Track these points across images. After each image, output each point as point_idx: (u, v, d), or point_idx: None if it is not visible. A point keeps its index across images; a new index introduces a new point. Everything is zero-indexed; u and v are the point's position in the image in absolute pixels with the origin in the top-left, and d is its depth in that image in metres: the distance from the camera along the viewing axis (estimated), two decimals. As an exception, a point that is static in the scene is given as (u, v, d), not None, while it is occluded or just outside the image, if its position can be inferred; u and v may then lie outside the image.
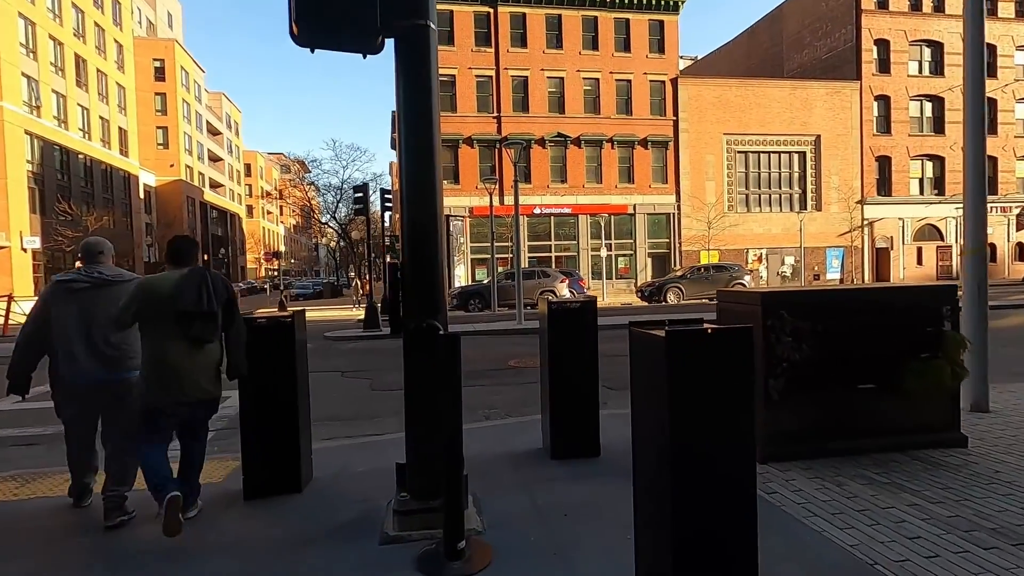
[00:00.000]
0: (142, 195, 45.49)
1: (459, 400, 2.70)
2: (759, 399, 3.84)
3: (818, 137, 32.92)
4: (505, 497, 3.51)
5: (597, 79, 30.90)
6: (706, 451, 2.11)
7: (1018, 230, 35.62)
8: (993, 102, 34.08)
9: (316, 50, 2.94)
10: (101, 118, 39.27)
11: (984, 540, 2.72)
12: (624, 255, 32.07)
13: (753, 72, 37.93)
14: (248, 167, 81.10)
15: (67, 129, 35.01)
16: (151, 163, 48.84)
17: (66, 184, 34.91)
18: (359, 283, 28.09)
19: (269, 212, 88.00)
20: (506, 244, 28.16)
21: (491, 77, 30.04)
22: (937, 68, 33.88)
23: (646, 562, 2.35)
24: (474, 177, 29.02)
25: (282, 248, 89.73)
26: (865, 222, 33.60)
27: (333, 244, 62.22)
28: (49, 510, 3.66)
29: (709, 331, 2.06)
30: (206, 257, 56.52)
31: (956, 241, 34.40)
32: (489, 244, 19.92)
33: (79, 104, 36.51)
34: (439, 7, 28.60)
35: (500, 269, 24.53)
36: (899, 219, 34.03)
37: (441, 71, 30.51)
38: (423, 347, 2.91)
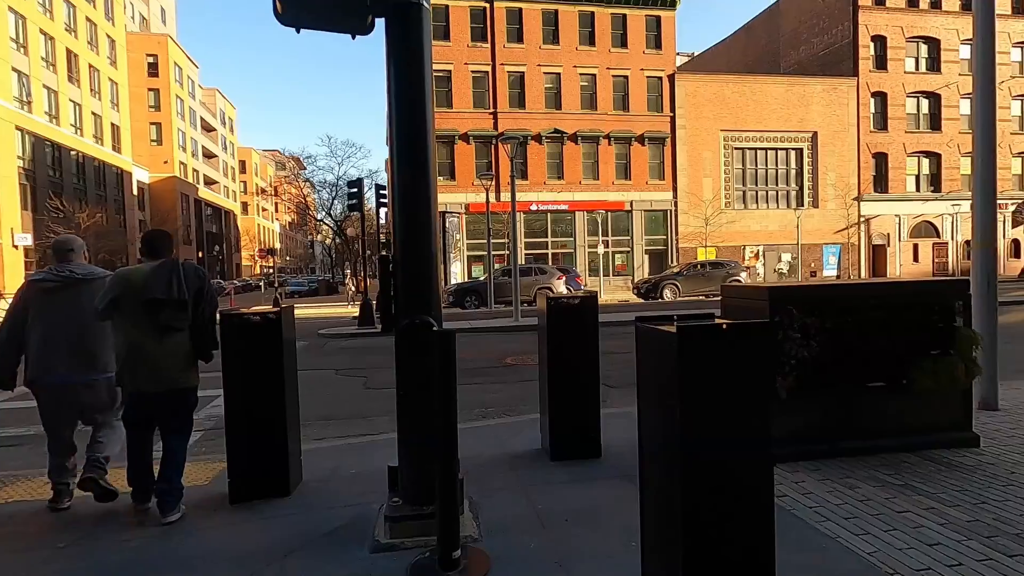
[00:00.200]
0: (135, 192, 45.11)
1: (454, 400, 2.55)
2: (766, 398, 3.71)
3: (815, 134, 32.84)
4: (503, 501, 3.36)
5: (594, 75, 30.71)
6: (720, 455, 1.96)
7: (1014, 227, 35.67)
8: (990, 99, 34.02)
9: (302, 30, 2.77)
10: (93, 114, 38.88)
11: (1008, 547, 2.59)
12: (621, 252, 31.94)
13: (750, 69, 37.81)
14: (243, 164, 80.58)
15: (59, 125, 34.64)
16: (144, 159, 48.43)
17: (58, 180, 34.55)
18: (352, 280, 27.85)
19: (264, 209, 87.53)
20: (503, 241, 27.98)
21: (487, 73, 29.82)
22: (934, 65, 33.82)
23: (653, 573, 2.21)
24: (470, 173, 28.80)
25: (277, 245, 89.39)
26: (862, 219, 33.56)
27: (329, 241, 61.97)
28: (27, 514, 3.49)
29: (724, 327, 1.91)
30: (200, 254, 56.18)
31: (952, 238, 34.40)
32: (486, 241, 19.73)
33: (71, 100, 36.12)
34: (434, 1, 28.38)
35: (496, 266, 24.36)
36: (895, 216, 34.01)
37: (437, 66, 30.18)
38: (416, 345, 2.76)
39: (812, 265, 33.33)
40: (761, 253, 32.86)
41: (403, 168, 2.78)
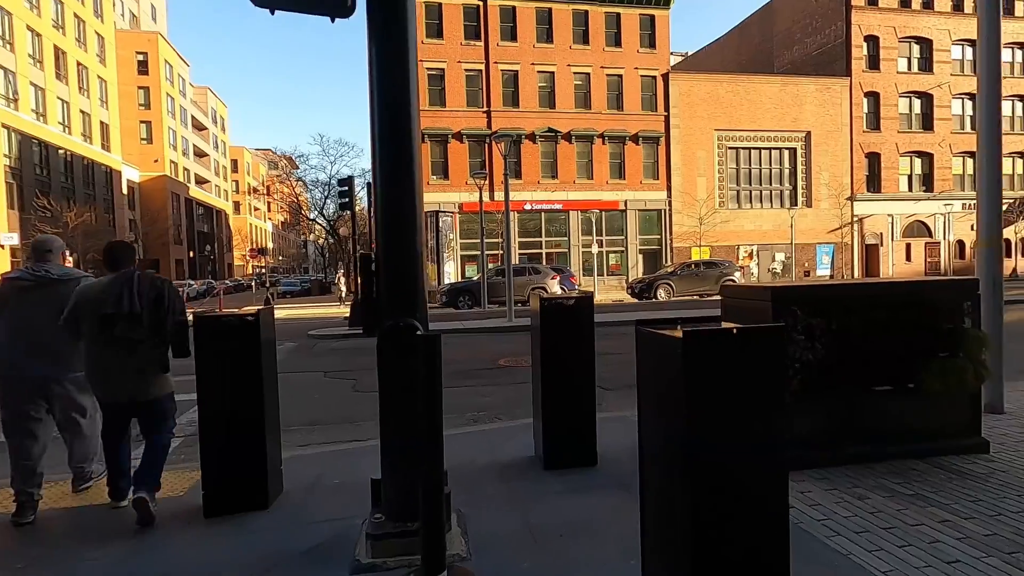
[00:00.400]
0: (125, 191, 44.56)
1: (439, 408, 2.36)
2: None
3: (808, 133, 32.85)
4: (494, 514, 3.18)
5: (588, 74, 30.57)
6: (730, 467, 1.79)
7: (1004, 227, 35.81)
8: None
9: (277, 11, 2.58)
10: (82, 112, 38.35)
11: (1031, 564, 2.43)
12: (615, 251, 31.82)
13: (744, 68, 37.79)
14: (235, 163, 79.91)
15: (46, 123, 34.13)
16: (134, 158, 47.86)
17: (46, 179, 34.05)
18: (344, 280, 27.59)
19: (256, 209, 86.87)
20: (496, 240, 27.80)
21: (481, 71, 29.61)
22: (926, 65, 33.90)
23: (656, 597, 2.04)
24: (464, 173, 28.60)
25: (270, 245, 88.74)
26: (855, 218, 33.59)
27: (322, 241, 61.53)
28: (-16, 532, 3.28)
29: (734, 331, 1.74)
30: (191, 254, 55.67)
31: (944, 238, 34.50)
32: (479, 240, 19.53)
33: (59, 97, 35.61)
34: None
35: (490, 266, 24.17)
36: (888, 215, 34.06)
37: (430, 64, 29.93)
38: (399, 349, 2.57)
39: (806, 265, 33.34)
40: (755, 253, 32.83)
41: (386, 160, 2.59)
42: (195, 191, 59.37)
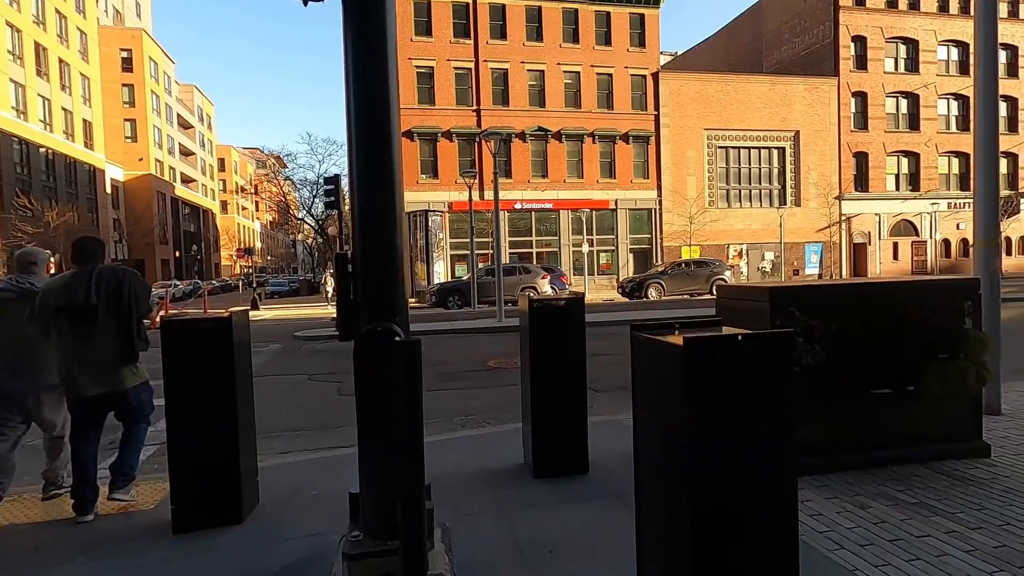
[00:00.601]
0: (109, 190, 43.84)
1: (420, 419, 2.20)
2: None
3: (797, 133, 32.98)
4: (480, 529, 3.01)
5: (578, 72, 30.45)
6: (736, 482, 1.64)
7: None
8: (965, 99, 34.54)
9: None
10: (64, 109, 37.65)
11: (1045, 579, 2.31)
12: (606, 251, 31.74)
13: (733, 68, 37.87)
14: (222, 162, 79.02)
15: (27, 120, 33.46)
16: (119, 157, 47.10)
17: (26, 178, 33.37)
18: (331, 280, 27.26)
19: (244, 208, 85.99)
20: (486, 240, 27.60)
21: (470, 69, 29.39)
22: (912, 65, 34.16)
23: (653, 624, 1.89)
24: (453, 171, 28.36)
25: (258, 245, 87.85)
26: (843, 218, 33.78)
27: (311, 240, 60.97)
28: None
29: (739, 338, 1.59)
30: (178, 254, 54.93)
31: (931, 236, 34.82)
32: (469, 240, 19.34)
33: (39, 94, 34.92)
34: (416, -5, 27.91)
35: (480, 265, 23.97)
36: (876, 215, 34.29)
37: (419, 63, 29.60)
38: (377, 355, 2.40)
39: (795, 264, 33.47)
40: (744, 252, 32.92)
41: (362, 149, 2.42)
42: (181, 190, 58.59)
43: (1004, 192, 33.98)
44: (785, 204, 32.76)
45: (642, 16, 31.08)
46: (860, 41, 33.31)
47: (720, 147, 32.41)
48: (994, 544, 2.60)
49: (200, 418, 3.16)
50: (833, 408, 3.58)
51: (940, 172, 34.97)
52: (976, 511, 2.95)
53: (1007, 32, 34.01)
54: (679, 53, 49.76)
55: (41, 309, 3.25)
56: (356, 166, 2.42)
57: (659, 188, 31.49)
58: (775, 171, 33.45)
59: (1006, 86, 34.31)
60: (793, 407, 1.67)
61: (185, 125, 63.03)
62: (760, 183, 33.43)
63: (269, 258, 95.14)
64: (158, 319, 3.37)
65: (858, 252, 34.68)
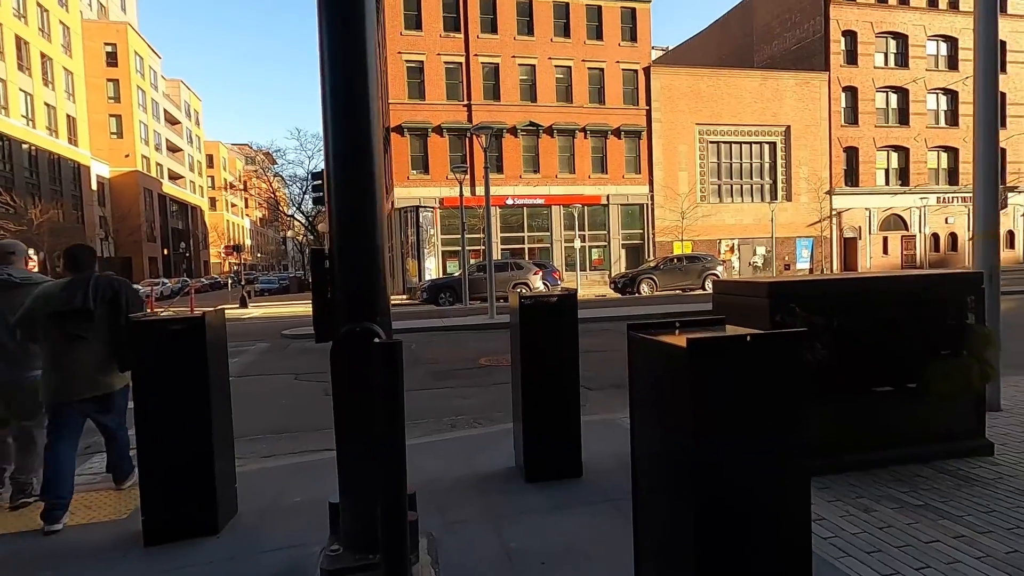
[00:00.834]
0: (94, 186, 43.18)
1: (400, 426, 2.05)
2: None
3: (788, 128, 32.99)
4: (469, 538, 2.87)
5: (569, 67, 30.26)
6: (742, 489, 1.51)
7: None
8: (954, 94, 34.71)
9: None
10: (47, 104, 36.99)
11: (1062, 587, 2.20)
12: (598, 246, 31.64)
13: (724, 63, 37.82)
14: (210, 158, 78.15)
15: (8, 116, 32.83)
16: (104, 153, 46.40)
17: (8, 174, 32.78)
18: None
19: (234, 205, 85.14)
20: (478, 236, 27.39)
21: (461, 64, 29.11)
22: (902, 60, 34.25)
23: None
24: (444, 167, 28.11)
25: (248, 242, 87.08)
26: (833, 212, 33.88)
27: (301, 237, 60.44)
28: None
29: (748, 338, 1.45)
30: (166, 251, 54.29)
31: (920, 231, 35.04)
32: (460, 236, 19.15)
33: (21, 89, 34.27)
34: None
35: (472, 261, 23.80)
36: (866, 209, 34.42)
37: (409, 57, 29.26)
38: (355, 358, 2.24)
39: (786, 258, 33.54)
40: (736, 247, 32.94)
41: (338, 135, 2.25)
42: (168, 187, 57.88)
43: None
44: (776, 199, 32.80)
45: (633, 10, 30.92)
46: (851, 36, 33.34)
47: (712, 142, 32.36)
48: (1006, 550, 2.49)
49: (172, 424, 2.99)
50: (834, 407, 3.46)
51: (929, 167, 35.15)
52: (984, 514, 2.84)
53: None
54: (670, 48, 49.68)
55: (32, 313, 3.27)
56: (333, 152, 2.26)
57: (651, 183, 31.42)
58: (766, 166, 33.47)
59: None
60: (802, 409, 1.53)
61: (172, 121, 62.21)
62: (751, 178, 33.44)
63: (259, 255, 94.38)
64: None
65: (848, 246, 34.82)
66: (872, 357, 3.52)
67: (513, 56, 29.56)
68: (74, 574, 2.74)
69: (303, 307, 22.88)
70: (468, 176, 25.85)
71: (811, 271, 33.78)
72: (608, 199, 31.05)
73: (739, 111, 32.22)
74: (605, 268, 31.16)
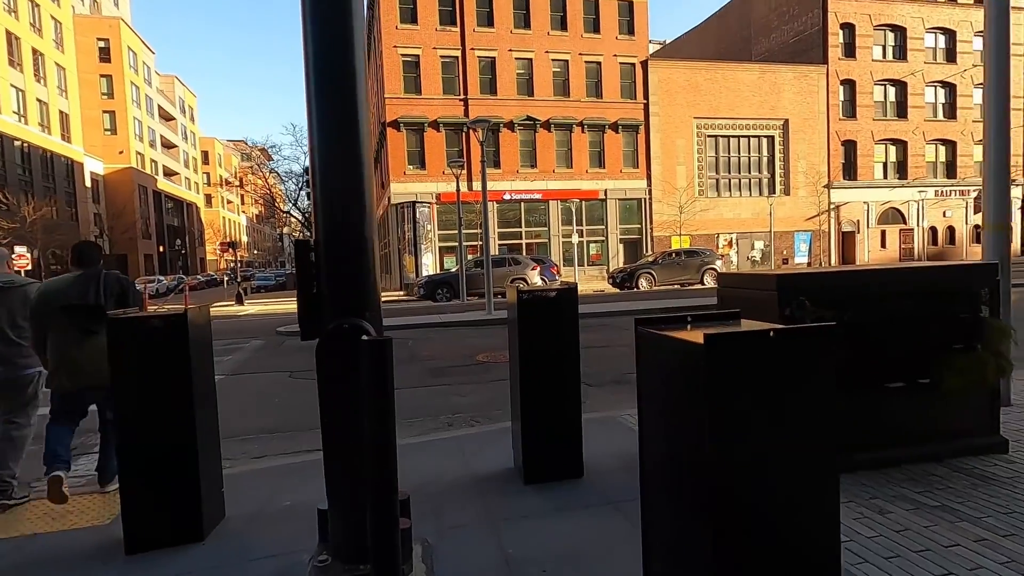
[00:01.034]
0: (88, 183, 42.83)
1: (391, 429, 1.91)
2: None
3: (786, 121, 32.84)
4: (466, 544, 2.73)
5: (566, 61, 30.02)
6: (765, 497, 1.37)
7: (976, 213, 36.38)
8: (952, 87, 34.56)
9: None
10: (39, 100, 36.61)
11: (1094, 595, 2.08)
12: (596, 241, 31.49)
13: (722, 56, 37.61)
14: (205, 154, 77.65)
15: (0, 112, 32.46)
16: (98, 150, 46.02)
17: (1, 171, 32.44)
18: None
19: (230, 201, 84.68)
20: (475, 231, 27.24)
21: (457, 58, 28.85)
22: (900, 53, 34.08)
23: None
24: (441, 162, 27.90)
25: (244, 238, 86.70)
26: (832, 206, 33.78)
27: (297, 234, 60.14)
28: None
29: (771, 333, 1.31)
30: (161, 249, 53.95)
31: (918, 224, 34.97)
32: (457, 231, 19.00)
33: (13, 85, 33.90)
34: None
35: (469, 257, 23.64)
36: (864, 203, 34.32)
37: (405, 51, 28.98)
38: (343, 356, 2.10)
39: (784, 252, 33.46)
40: (734, 241, 32.83)
41: (323, 117, 2.10)
42: (164, 184, 57.49)
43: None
44: (775, 193, 32.68)
45: (631, 3, 30.67)
46: (849, 28, 33.16)
47: (710, 136, 32.20)
48: (1031, 554, 2.37)
49: (153, 426, 2.85)
50: (844, 404, 3.33)
51: (927, 160, 35.05)
52: (1004, 515, 2.72)
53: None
54: (668, 41, 49.43)
55: (43, 307, 3.40)
56: (317, 134, 2.11)
57: (649, 178, 31.26)
58: (764, 160, 33.32)
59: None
60: (835, 410, 1.40)
61: (167, 117, 61.75)
62: (750, 172, 33.30)
63: (256, 252, 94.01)
64: None
65: (847, 240, 34.73)
66: (885, 352, 3.39)
67: (510, 50, 29.32)
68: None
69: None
70: (465, 171, 25.69)
71: (809, 265, 33.71)
72: (606, 194, 30.89)
73: (737, 105, 32.05)
74: (603, 263, 31.02)
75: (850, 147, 34.05)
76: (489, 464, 3.79)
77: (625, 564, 2.38)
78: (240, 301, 24.22)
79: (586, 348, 4.88)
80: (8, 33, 33.62)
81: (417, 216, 26.65)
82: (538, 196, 29.99)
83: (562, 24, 29.91)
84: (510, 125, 29.29)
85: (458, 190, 19.01)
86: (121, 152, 48.64)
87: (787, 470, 1.38)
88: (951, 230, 35.63)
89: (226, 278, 36.25)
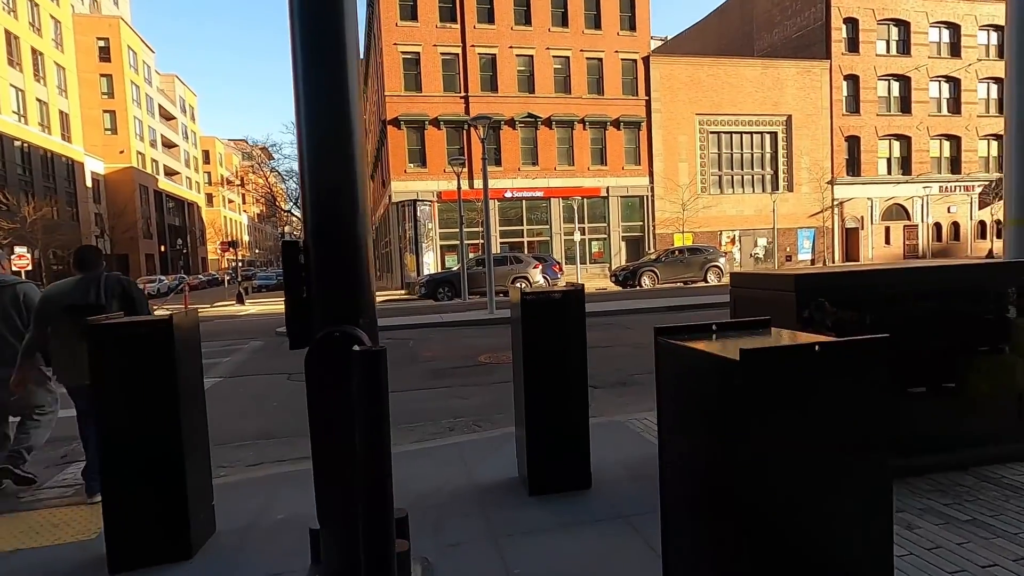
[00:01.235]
0: (89, 183, 42.73)
1: (385, 444, 1.76)
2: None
3: (789, 117, 32.59)
4: (468, 563, 2.58)
5: (567, 57, 29.80)
6: (806, 525, 1.22)
7: (980, 208, 36.11)
8: (956, 82, 34.27)
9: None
10: (39, 100, 36.50)
11: None
12: (598, 239, 31.31)
13: (724, 52, 37.35)
14: (206, 154, 77.53)
15: (0, 112, 32.36)
16: (98, 150, 45.92)
17: (1, 171, 32.35)
18: None
19: (231, 201, 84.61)
20: (477, 229, 27.05)
21: (457, 55, 28.66)
22: (904, 48, 33.80)
23: None
24: (442, 160, 27.73)
25: (245, 238, 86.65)
26: (835, 202, 33.54)
27: (298, 233, 60.04)
28: None
29: (816, 347, 1.15)
30: (163, 248, 53.88)
31: (923, 220, 34.72)
32: (459, 230, 18.84)
33: (12, 85, 33.78)
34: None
35: (471, 255, 23.47)
36: (868, 199, 34.08)
37: (405, 48, 28.80)
38: (334, 367, 1.94)
39: (787, 249, 33.24)
40: (737, 238, 32.62)
41: (311, 107, 1.94)
42: (165, 183, 57.40)
43: (996, 175, 33.92)
44: (778, 189, 32.46)
45: (632, -1, 30.44)
46: (852, 23, 32.88)
47: (712, 132, 31.97)
48: (1074, 574, 2.21)
49: (137, 438, 2.70)
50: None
51: (932, 155, 34.78)
52: (1041, 530, 2.56)
53: (994, 13, 33.72)
54: (669, 37, 49.14)
55: (46, 309, 3.56)
56: (306, 126, 1.95)
57: (651, 174, 31.06)
58: (767, 156, 33.10)
59: (993, 68, 34.04)
60: (893, 432, 1.24)
61: (167, 116, 61.64)
62: (752, 168, 33.07)
63: (257, 251, 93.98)
64: None
65: (850, 237, 34.50)
66: (908, 354, 3.23)
67: (511, 47, 29.11)
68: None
69: (300, 303, 22.55)
70: (466, 169, 25.50)
71: (813, 262, 33.48)
72: (608, 191, 30.70)
73: (739, 100, 31.81)
74: (605, 261, 30.85)
75: (853, 143, 33.80)
76: (492, 473, 3.64)
77: (638, 586, 2.23)
78: (241, 301, 24.11)
79: (589, 348, 4.70)
80: (7, 33, 33.50)
81: (418, 214, 26.50)
82: (540, 194, 29.82)
83: (563, 20, 29.70)
84: (511, 122, 29.10)
85: (459, 188, 18.85)
86: (122, 152, 48.54)
87: (832, 497, 1.23)
88: (955, 226, 35.37)
89: (227, 277, 36.15)
